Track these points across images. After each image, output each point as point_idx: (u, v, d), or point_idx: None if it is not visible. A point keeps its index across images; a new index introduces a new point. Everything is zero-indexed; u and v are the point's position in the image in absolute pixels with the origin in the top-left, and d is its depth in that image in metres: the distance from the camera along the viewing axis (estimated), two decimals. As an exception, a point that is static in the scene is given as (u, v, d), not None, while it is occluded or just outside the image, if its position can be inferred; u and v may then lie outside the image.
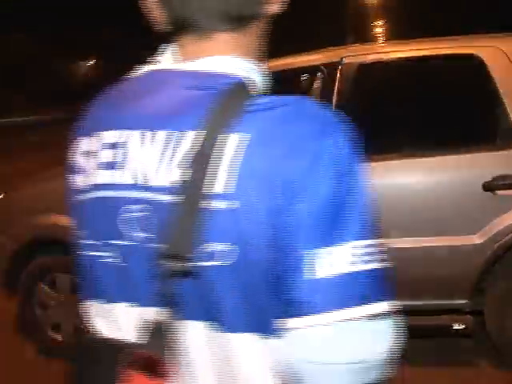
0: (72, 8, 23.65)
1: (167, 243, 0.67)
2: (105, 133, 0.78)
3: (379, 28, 36.60)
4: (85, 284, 0.84)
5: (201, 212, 0.66)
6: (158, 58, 0.81)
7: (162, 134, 0.71)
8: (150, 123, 0.73)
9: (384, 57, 2.79)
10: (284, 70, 2.92)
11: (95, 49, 27.20)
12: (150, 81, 0.79)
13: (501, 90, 2.65)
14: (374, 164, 2.59)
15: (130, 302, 0.76)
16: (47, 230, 3.20)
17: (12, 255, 3.30)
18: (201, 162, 0.67)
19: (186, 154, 0.69)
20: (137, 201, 0.73)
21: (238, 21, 0.75)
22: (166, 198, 0.69)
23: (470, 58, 2.77)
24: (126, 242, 0.74)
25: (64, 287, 3.25)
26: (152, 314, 0.69)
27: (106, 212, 0.76)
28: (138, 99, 0.77)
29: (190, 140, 0.69)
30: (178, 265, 0.65)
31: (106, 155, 0.76)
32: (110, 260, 0.77)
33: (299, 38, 14.45)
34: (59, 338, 3.34)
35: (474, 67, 2.78)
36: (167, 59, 0.80)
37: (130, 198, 0.73)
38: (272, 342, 0.68)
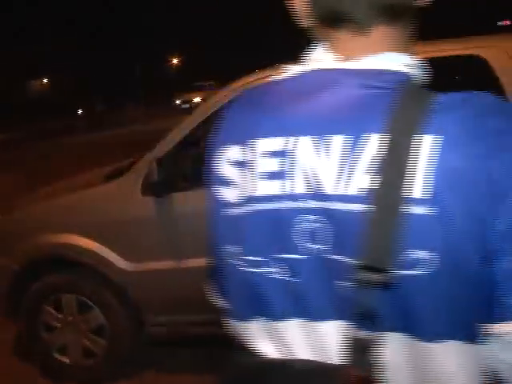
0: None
1: (362, 253, 0.62)
2: (262, 140, 0.71)
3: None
4: (240, 302, 0.77)
5: (400, 218, 0.61)
6: (313, 57, 0.75)
7: (338, 139, 0.66)
8: (321, 127, 0.68)
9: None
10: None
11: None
12: (310, 81, 0.72)
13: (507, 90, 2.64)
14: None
15: (304, 317, 0.70)
16: (51, 249, 3.11)
17: (13, 277, 3.20)
18: (396, 166, 0.62)
19: (372, 158, 0.64)
20: (311, 211, 0.67)
21: (393, 14, 0.70)
22: (349, 206, 0.65)
23: (475, 58, 2.76)
24: (296, 256, 0.69)
25: (71, 308, 3.15)
26: (341, 328, 0.65)
27: (270, 225, 0.70)
28: (301, 102, 0.71)
29: (374, 144, 0.64)
30: (377, 276, 0.61)
31: (268, 164, 0.70)
32: (275, 275, 0.71)
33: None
34: (66, 360, 3.24)
35: (477, 68, 2.78)
36: (325, 57, 0.74)
37: (302, 208, 0.68)
38: (477, 347, 0.65)
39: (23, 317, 3.25)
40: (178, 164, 2.91)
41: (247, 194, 0.72)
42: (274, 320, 0.72)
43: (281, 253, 0.70)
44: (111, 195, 3.05)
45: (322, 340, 0.68)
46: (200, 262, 2.83)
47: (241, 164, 0.74)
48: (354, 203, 0.64)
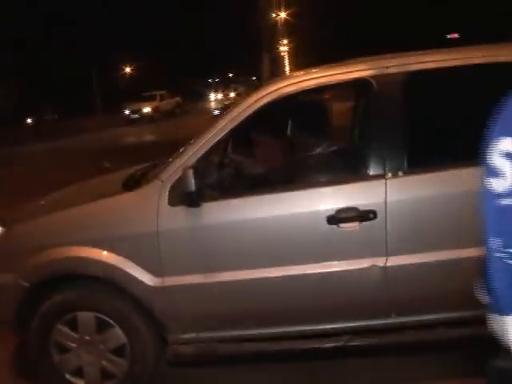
0: None
1: None
2: None
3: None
4: (502, 296, 0.76)
5: None
6: None
7: None
8: None
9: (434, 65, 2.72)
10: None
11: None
12: None
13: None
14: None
15: None
16: (67, 264, 2.88)
17: (22, 295, 2.96)
18: None
19: None
20: None
21: None
22: None
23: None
24: None
25: (88, 326, 2.93)
26: None
27: None
28: None
29: None
30: None
31: None
32: None
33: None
34: (81, 383, 3.02)
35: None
36: None
37: None
38: None
39: (33, 337, 3.00)
40: (210, 172, 2.77)
41: None
42: None
43: None
44: (134, 206, 2.86)
45: None
46: (235, 275, 2.73)
47: (508, 156, 0.74)
48: None
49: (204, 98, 51.69)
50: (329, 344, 2.83)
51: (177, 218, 2.77)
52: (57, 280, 2.94)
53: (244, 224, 2.73)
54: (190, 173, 2.57)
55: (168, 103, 32.62)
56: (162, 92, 32.55)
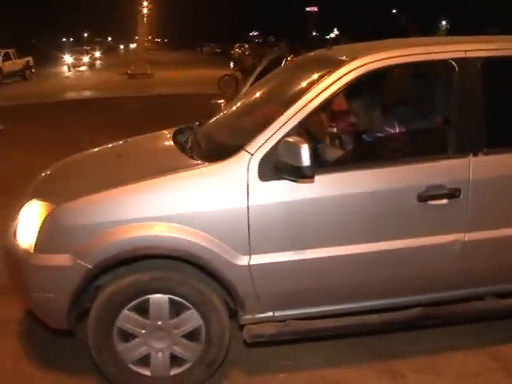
0: None
1: None
2: None
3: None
4: None
5: None
6: None
7: None
8: None
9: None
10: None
11: None
12: None
13: None
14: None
15: None
16: (141, 243, 2.57)
17: (82, 279, 2.60)
18: None
19: None
20: None
21: None
22: None
23: None
24: None
25: (161, 311, 2.68)
26: None
27: None
28: None
29: None
30: None
31: None
32: None
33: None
34: (147, 372, 2.76)
35: None
36: None
37: None
38: None
39: (94, 325, 2.68)
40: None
41: None
42: None
43: None
44: (219, 179, 2.64)
45: None
46: (325, 251, 2.69)
47: None
48: None
49: (58, 60, 43.06)
50: (404, 316, 2.92)
51: (269, 193, 2.63)
52: (124, 261, 2.64)
53: (343, 199, 2.69)
54: (305, 146, 2.45)
55: (15, 63, 28.04)
56: (7, 50, 27.36)
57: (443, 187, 2.75)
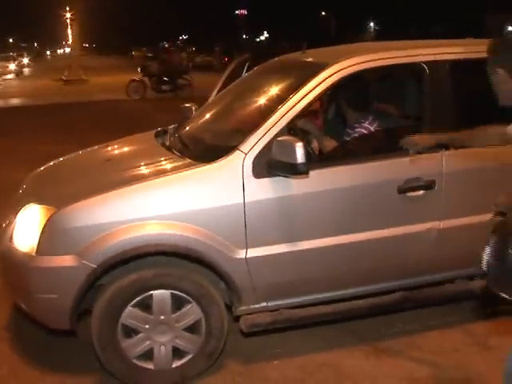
0: None
1: None
2: None
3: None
4: None
5: None
6: None
7: None
8: None
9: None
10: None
11: None
12: None
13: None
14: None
15: None
16: (144, 242, 2.68)
17: (86, 278, 2.68)
18: None
19: None
20: None
21: None
22: None
23: None
24: None
25: (164, 305, 2.79)
26: None
27: None
28: None
29: None
30: None
31: None
32: None
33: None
34: (150, 366, 2.86)
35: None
36: None
37: None
38: None
39: (99, 322, 2.75)
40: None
41: None
42: None
43: None
44: (216, 178, 2.78)
45: None
46: (317, 242, 2.89)
47: None
48: None
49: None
50: (387, 300, 3.16)
51: (263, 190, 2.80)
52: (127, 260, 2.73)
53: (333, 193, 2.89)
54: (300, 144, 2.63)
55: None
56: None
57: (420, 179, 3.00)
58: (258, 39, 70.51)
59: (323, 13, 64.14)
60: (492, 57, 2.19)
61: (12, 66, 37.11)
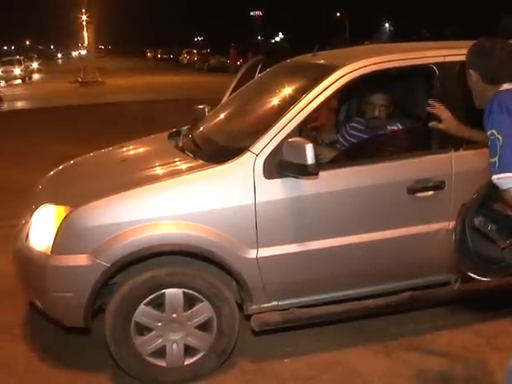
0: None
1: None
2: None
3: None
4: None
5: None
6: None
7: None
8: None
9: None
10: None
11: None
12: None
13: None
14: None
15: None
16: (157, 241, 2.74)
17: (99, 277, 2.74)
18: None
19: None
20: None
21: None
22: None
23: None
24: None
25: (176, 304, 2.84)
26: None
27: None
28: None
29: None
30: None
31: None
32: None
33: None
34: (162, 363, 2.91)
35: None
36: None
37: None
38: None
39: (112, 321, 2.81)
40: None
41: None
42: None
43: None
44: (227, 179, 2.83)
45: None
46: (327, 242, 2.92)
47: None
48: None
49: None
50: (396, 300, 3.18)
51: (274, 190, 2.84)
52: (140, 259, 2.79)
53: (342, 194, 2.92)
54: (310, 146, 2.67)
55: None
56: None
57: (429, 180, 3.03)
58: (273, 40, 70.52)
59: (338, 14, 64.06)
60: (467, 59, 2.26)
61: (17, 71, 32.79)
